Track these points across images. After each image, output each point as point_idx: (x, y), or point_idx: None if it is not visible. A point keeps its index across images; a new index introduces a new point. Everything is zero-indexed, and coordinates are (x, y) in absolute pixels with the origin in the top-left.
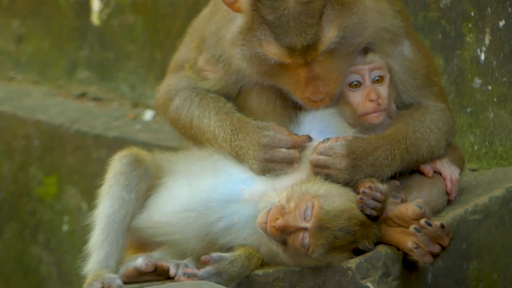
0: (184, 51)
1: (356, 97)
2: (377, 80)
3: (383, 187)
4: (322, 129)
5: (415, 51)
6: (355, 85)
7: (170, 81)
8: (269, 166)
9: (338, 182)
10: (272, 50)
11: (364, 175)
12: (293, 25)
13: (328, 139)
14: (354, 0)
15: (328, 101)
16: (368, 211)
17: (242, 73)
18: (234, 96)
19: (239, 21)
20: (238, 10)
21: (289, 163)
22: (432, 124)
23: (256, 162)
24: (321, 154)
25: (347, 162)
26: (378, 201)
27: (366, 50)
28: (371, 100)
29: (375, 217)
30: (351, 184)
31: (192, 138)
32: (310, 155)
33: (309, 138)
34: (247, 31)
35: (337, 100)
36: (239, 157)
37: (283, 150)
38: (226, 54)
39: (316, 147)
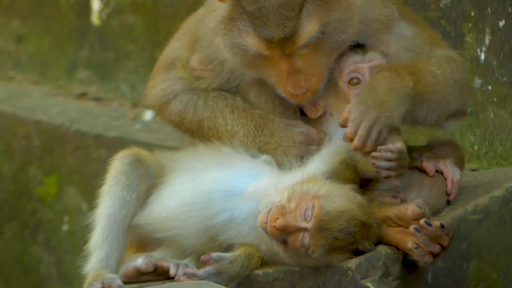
0: (175, 48)
1: None
2: None
3: (396, 145)
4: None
5: (413, 27)
6: (355, 82)
7: (164, 85)
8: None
9: (390, 124)
10: (251, 41)
11: (394, 104)
12: (272, 17)
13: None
14: None
15: (309, 96)
16: (385, 173)
17: (235, 72)
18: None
19: (222, 10)
20: (223, 1)
21: None
22: (432, 60)
23: (287, 159)
24: (355, 132)
25: (373, 108)
26: (392, 161)
27: (364, 48)
28: None
29: (398, 174)
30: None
31: (203, 137)
32: (314, 152)
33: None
34: (227, 20)
35: (341, 99)
36: (262, 152)
37: (315, 148)
38: (220, 56)
39: (347, 140)
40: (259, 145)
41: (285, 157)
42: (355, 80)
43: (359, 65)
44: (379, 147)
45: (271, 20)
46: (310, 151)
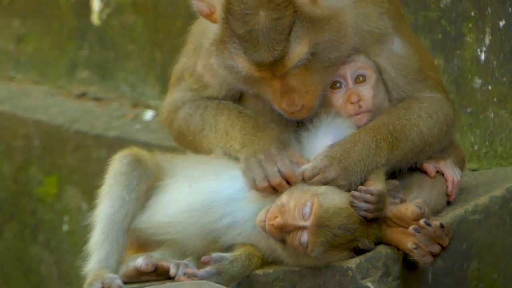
0: (183, 61)
1: (338, 100)
2: (360, 80)
3: (376, 188)
4: (336, 135)
5: (406, 47)
6: (338, 86)
7: (174, 95)
8: (253, 165)
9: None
10: (241, 64)
11: (359, 174)
12: (262, 40)
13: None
14: (326, 17)
15: (305, 113)
16: (362, 213)
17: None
18: (237, 99)
19: (214, 30)
20: (215, 21)
21: (263, 179)
22: (421, 111)
23: (250, 153)
24: (311, 178)
25: (335, 169)
26: (370, 203)
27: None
28: (352, 103)
29: (374, 219)
30: (354, 187)
31: (200, 141)
32: (310, 155)
33: (296, 181)
34: (219, 42)
35: (324, 102)
36: (242, 147)
37: (274, 168)
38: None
39: (303, 175)
40: (245, 141)
41: (246, 156)
42: (337, 84)
43: (341, 67)
44: (359, 187)
45: (260, 43)
46: (266, 165)
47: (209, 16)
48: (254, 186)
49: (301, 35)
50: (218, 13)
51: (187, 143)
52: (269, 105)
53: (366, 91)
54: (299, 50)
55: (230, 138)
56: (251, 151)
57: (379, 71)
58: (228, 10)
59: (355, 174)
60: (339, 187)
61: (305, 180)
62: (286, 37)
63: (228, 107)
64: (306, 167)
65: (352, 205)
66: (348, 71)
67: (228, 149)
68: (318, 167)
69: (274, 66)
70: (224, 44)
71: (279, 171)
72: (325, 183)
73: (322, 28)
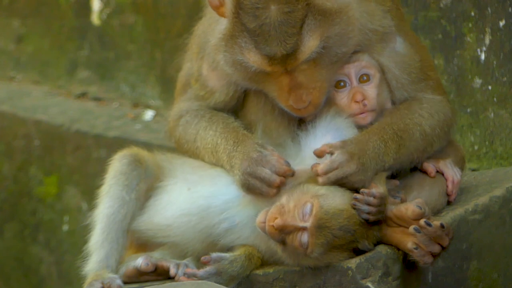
0: (187, 68)
1: (343, 99)
2: (364, 79)
3: (378, 191)
4: (335, 135)
5: (407, 46)
6: (342, 85)
7: (181, 105)
8: (249, 181)
9: (356, 186)
10: (253, 58)
11: (373, 171)
12: (273, 34)
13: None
14: (337, 10)
15: (312, 110)
16: (364, 216)
17: (239, 83)
18: (241, 101)
19: (222, 26)
20: (222, 15)
21: (268, 186)
22: (423, 110)
23: (239, 173)
24: (326, 173)
25: (355, 164)
26: (373, 206)
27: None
28: (357, 102)
29: (375, 221)
30: (367, 184)
31: (194, 152)
32: (308, 155)
33: (293, 173)
34: (228, 37)
35: (327, 100)
36: (232, 168)
37: (267, 170)
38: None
39: (315, 171)
40: (231, 160)
41: (238, 171)
42: (341, 83)
43: (345, 66)
44: (362, 190)
45: (272, 37)
46: (258, 171)
47: (217, 8)
48: (262, 197)
49: (313, 28)
50: (228, 7)
51: (185, 151)
52: (271, 104)
53: (371, 90)
54: (311, 43)
55: (218, 158)
56: (239, 170)
57: (382, 70)
58: (238, 5)
59: (370, 171)
60: (354, 183)
61: (317, 176)
62: (299, 30)
63: (217, 121)
64: (317, 165)
65: (354, 207)
66: (353, 70)
67: (221, 167)
68: (337, 161)
69: (286, 60)
70: (234, 39)
71: (272, 171)
72: (341, 178)
73: (333, 21)
